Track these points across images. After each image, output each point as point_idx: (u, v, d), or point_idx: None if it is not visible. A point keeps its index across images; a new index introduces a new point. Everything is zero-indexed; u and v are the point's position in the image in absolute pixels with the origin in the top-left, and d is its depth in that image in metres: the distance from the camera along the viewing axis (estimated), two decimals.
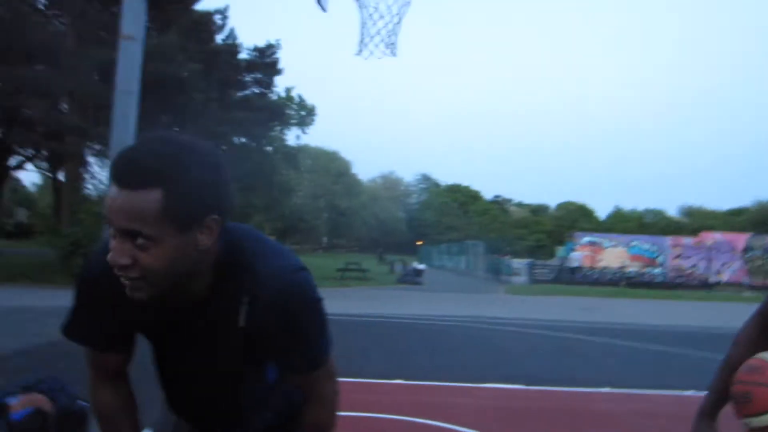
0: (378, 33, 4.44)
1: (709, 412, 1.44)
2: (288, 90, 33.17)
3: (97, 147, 20.29)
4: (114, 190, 0.91)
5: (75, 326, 1.19)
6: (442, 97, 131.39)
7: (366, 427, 4.13)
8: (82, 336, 1.19)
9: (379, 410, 4.54)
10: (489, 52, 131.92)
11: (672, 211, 61.90)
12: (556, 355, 7.82)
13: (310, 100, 38.68)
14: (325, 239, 62.64)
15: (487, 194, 70.91)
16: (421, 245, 50.27)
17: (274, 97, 24.85)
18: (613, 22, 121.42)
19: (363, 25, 4.50)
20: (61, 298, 11.36)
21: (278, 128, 27.90)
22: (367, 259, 34.12)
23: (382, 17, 4.40)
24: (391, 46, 4.46)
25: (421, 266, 24.88)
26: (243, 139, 23.88)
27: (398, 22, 4.38)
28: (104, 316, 1.14)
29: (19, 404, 3.48)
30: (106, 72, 17.72)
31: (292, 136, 35.32)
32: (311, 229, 51.84)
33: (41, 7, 18.05)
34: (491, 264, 27.27)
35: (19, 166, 25.27)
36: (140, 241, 0.91)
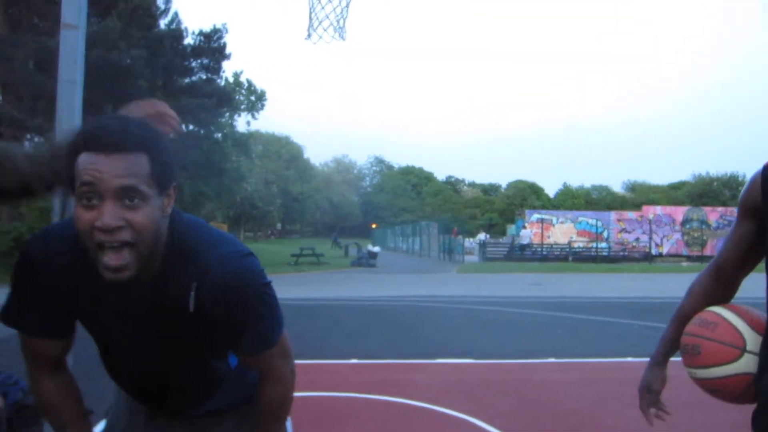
0: (326, 17, 4.49)
1: (660, 360, 1.49)
2: (236, 75, 32.56)
3: (36, 139, 19.51)
4: (99, 157, 0.97)
5: (13, 312, 1.19)
6: (392, 78, 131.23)
7: (324, 406, 4.29)
8: (21, 322, 1.19)
9: (336, 389, 4.72)
10: (433, 29, 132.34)
11: (617, 187, 64.19)
12: (506, 329, 8.16)
13: (259, 85, 38.09)
14: (279, 225, 62.09)
15: (440, 175, 71.82)
16: (375, 228, 50.54)
17: (222, 82, 24.35)
18: None
19: (312, 9, 4.53)
20: (3, 295, 11.43)
21: (227, 114, 27.38)
22: (321, 243, 34.12)
23: (330, 1, 4.44)
24: (340, 30, 4.51)
25: (376, 249, 25.09)
26: (191, 127, 23.35)
27: (346, 6, 4.44)
28: (43, 301, 1.16)
29: None
30: (42, 61, 17.03)
31: (243, 122, 34.78)
32: (264, 216, 51.23)
33: None
34: (444, 244, 27.74)
35: None
36: (134, 201, 0.98)
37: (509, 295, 12.50)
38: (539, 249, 27.57)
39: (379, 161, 73.64)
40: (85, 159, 0.98)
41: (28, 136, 18.71)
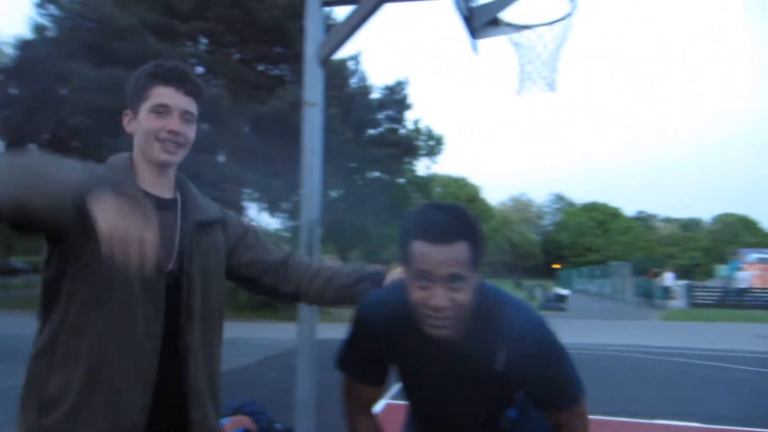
0: (537, 72, 4.54)
1: None
2: (416, 122, 34.06)
3: (252, 193, 22.32)
4: (429, 247, 1.19)
5: (347, 362, 1.45)
6: (567, 109, 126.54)
7: None
8: (354, 371, 1.45)
9: None
10: (612, 59, 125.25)
11: None
12: (733, 390, 7.23)
13: (437, 130, 39.35)
14: None
15: (629, 210, 66.75)
16: (558, 269, 48.34)
17: (404, 131, 25.73)
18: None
19: (521, 65, 4.63)
20: (231, 330, 12.70)
21: (409, 160, 28.75)
22: (502, 284, 33.25)
23: (539, 56, 4.49)
24: (551, 84, 4.54)
25: (564, 291, 24.01)
26: (377, 174, 24.95)
27: (556, 59, 4.46)
28: (373, 356, 1.39)
29: (230, 424, 4.05)
30: (256, 125, 19.66)
31: (422, 166, 36.09)
32: None
33: (201, 75, 20.46)
34: (641, 287, 25.44)
35: None
36: (458, 284, 1.20)
37: (731, 349, 11.05)
38: (762, 294, 23.91)
39: (560, 198, 70.94)
40: (419, 247, 1.20)
41: (247, 190, 21.54)
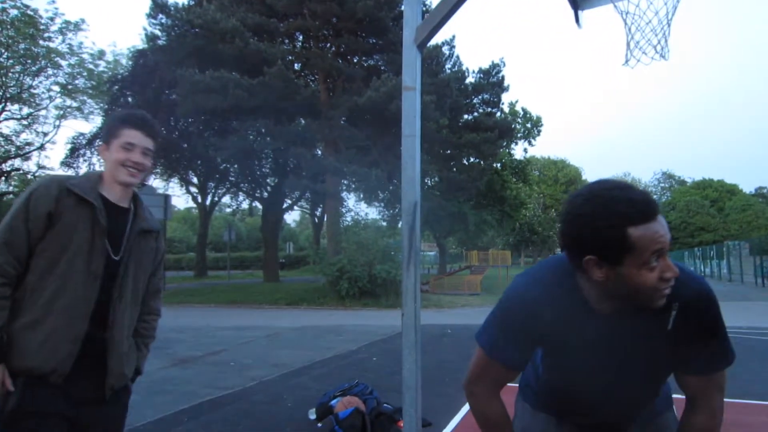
0: (647, 40, 4.37)
1: None
2: (512, 105, 33.35)
3: (350, 183, 22.94)
4: (656, 224, 1.16)
5: (497, 347, 1.39)
6: (675, 86, 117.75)
7: None
8: (503, 356, 1.39)
9: None
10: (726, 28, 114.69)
11: None
12: None
13: (534, 112, 38.28)
14: (558, 250, 60.52)
15: (747, 187, 61.43)
16: (672, 251, 45.44)
17: (500, 114, 25.26)
18: None
19: (629, 33, 4.51)
20: (334, 318, 13.07)
21: (505, 144, 28.23)
22: None
23: (649, 23, 4.31)
24: (662, 50, 4.37)
25: None
26: (473, 159, 24.72)
27: (668, 24, 4.27)
28: (529, 339, 1.36)
29: (341, 404, 4.35)
30: (353, 117, 20.17)
31: (519, 150, 35.32)
32: (544, 241, 50.63)
33: (299, 71, 21.25)
34: (762, 267, 23.41)
35: (289, 207, 29.73)
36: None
37: None
38: None
39: (668, 176, 66.61)
40: (647, 229, 1.16)
41: (345, 181, 22.20)
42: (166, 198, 13.66)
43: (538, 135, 35.44)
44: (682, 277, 1.25)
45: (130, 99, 22.15)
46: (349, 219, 23.76)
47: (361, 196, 24.58)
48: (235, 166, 24.09)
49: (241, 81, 17.72)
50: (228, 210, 42.92)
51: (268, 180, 26.03)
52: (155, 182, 28.66)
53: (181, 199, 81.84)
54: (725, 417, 1.38)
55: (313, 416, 4.49)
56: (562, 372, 1.43)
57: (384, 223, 24.54)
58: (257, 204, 28.63)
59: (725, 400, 1.38)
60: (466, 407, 5.07)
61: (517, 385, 1.69)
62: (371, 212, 27.00)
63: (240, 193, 28.15)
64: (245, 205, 33.52)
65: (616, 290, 1.22)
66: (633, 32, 4.43)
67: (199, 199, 32.48)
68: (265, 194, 26.28)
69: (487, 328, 1.41)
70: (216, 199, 33.16)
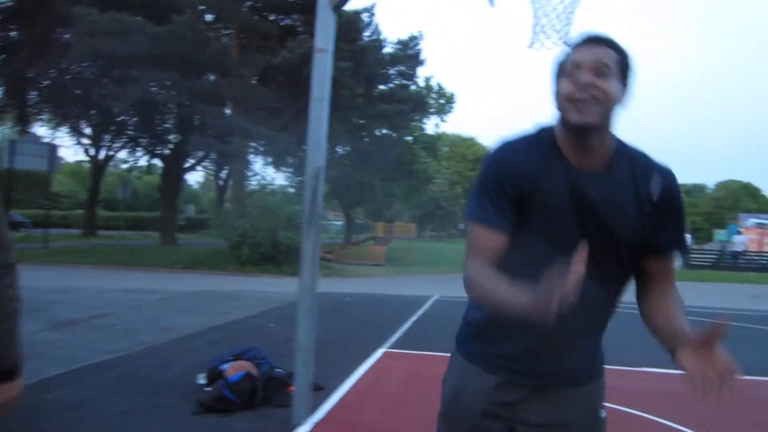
0: (552, 26, 4.44)
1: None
2: (427, 79, 33.58)
3: (258, 146, 22.25)
4: (581, 48, 1.28)
5: (477, 211, 1.34)
6: None
7: None
8: (483, 216, 1.33)
9: None
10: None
11: None
12: (725, 343, 7.41)
13: (448, 88, 38.86)
14: (461, 226, 62.74)
15: None
16: None
17: (415, 87, 25.35)
18: None
19: (536, 17, 4.55)
20: (233, 283, 12.81)
21: (418, 117, 28.49)
22: None
23: (554, 9, 4.38)
24: (564, 37, 4.46)
25: None
26: (385, 131, 24.75)
27: (572, 12, 4.36)
28: (503, 198, 1.32)
29: (231, 369, 4.26)
30: (265, 77, 19.47)
31: (431, 125, 35.80)
32: (448, 216, 52.20)
33: (211, 22, 20.16)
34: None
35: (192, 167, 28.44)
36: (605, 70, 1.25)
37: (722, 307, 11.28)
38: (757, 258, 24.20)
39: None
40: (571, 53, 1.30)
41: (253, 143, 21.51)
42: (51, 147, 12.57)
43: (451, 111, 36.07)
44: (653, 159, 1.35)
45: (13, 34, 20.07)
46: (255, 183, 23.10)
47: (270, 160, 23.93)
48: (135, 118, 22.61)
49: (145, 27, 16.54)
50: (124, 166, 40.32)
51: (170, 136, 24.65)
52: (40, 130, 26.31)
53: (70, 151, 76.08)
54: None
55: (202, 381, 4.36)
56: (534, 241, 1.32)
57: (292, 190, 24.13)
58: (157, 161, 27.09)
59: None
60: (359, 372, 5.14)
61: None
62: (279, 177, 26.42)
63: (138, 148, 26.41)
64: (144, 161, 31.59)
65: (556, 113, 1.31)
66: (540, 17, 4.52)
67: (92, 152, 30.26)
68: (167, 151, 24.88)
69: (470, 198, 1.40)
70: (111, 153, 31.00)
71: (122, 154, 31.69)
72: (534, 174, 1.31)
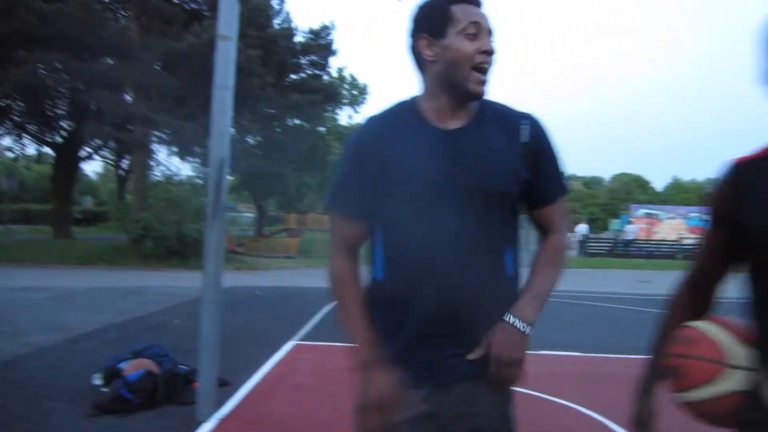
0: None
1: (648, 387, 1.32)
2: (340, 70, 33.43)
3: (162, 135, 21.21)
4: (473, 7, 1.29)
5: (338, 197, 1.35)
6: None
7: None
8: (342, 203, 1.34)
9: None
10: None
11: None
12: (613, 325, 8.02)
13: (362, 80, 38.86)
14: None
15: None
16: None
17: (327, 78, 25.16)
18: None
19: None
20: (136, 279, 12.24)
21: (331, 108, 28.32)
22: None
23: None
24: None
25: None
26: (297, 121, 24.42)
27: None
28: (364, 177, 1.29)
29: (131, 367, 4.08)
30: (169, 62, 18.55)
31: (344, 116, 35.72)
32: None
33: (108, 2, 18.91)
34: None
35: (89, 157, 26.62)
36: (493, 38, 1.29)
37: (614, 291, 12.16)
38: (645, 245, 26.26)
39: None
40: (463, 8, 1.29)
41: (156, 132, 20.47)
42: None
43: (364, 103, 36.15)
44: (517, 108, 1.37)
45: None
46: (159, 174, 22.03)
47: (175, 150, 22.90)
48: (20, 103, 20.84)
49: (32, 4, 15.28)
50: (10, 155, 37.09)
51: (62, 123, 22.92)
52: None
53: None
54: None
55: (98, 381, 4.13)
56: (406, 209, 1.29)
57: (200, 181, 23.25)
58: (49, 150, 25.12)
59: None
60: (267, 365, 5.06)
61: None
62: (185, 168, 25.35)
63: (25, 135, 24.34)
64: (32, 150, 29.16)
65: (445, 73, 1.28)
66: None
67: None
68: (59, 139, 23.14)
69: (332, 182, 1.39)
70: None
71: (7, 141, 29.06)
72: (394, 140, 1.31)
